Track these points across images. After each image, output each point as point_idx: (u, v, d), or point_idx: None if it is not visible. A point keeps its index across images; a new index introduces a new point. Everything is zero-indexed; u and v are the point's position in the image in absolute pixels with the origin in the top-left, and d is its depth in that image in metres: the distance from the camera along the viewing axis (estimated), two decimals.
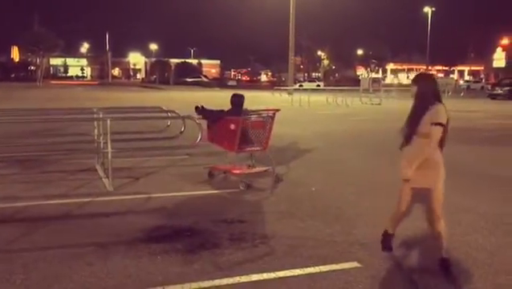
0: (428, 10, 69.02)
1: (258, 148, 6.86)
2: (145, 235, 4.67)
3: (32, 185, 6.68)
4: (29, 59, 71.15)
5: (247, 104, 7.24)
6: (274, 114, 6.74)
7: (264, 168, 6.97)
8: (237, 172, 6.96)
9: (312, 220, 5.26)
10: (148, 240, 4.53)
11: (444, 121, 3.97)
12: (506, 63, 70.71)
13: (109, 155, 6.54)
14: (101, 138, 7.38)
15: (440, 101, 4.01)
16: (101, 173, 7.30)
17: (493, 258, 4.29)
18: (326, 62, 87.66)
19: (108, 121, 6.50)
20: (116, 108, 9.73)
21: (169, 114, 8.43)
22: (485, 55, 79.29)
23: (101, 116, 7.23)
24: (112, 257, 4.12)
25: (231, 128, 6.60)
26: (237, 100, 6.98)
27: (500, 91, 34.92)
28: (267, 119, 6.73)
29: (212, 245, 4.45)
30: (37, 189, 6.41)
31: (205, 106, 7.21)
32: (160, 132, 8.30)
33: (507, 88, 34.84)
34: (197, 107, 7.18)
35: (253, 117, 6.73)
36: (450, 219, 5.15)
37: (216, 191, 6.51)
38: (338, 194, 6.49)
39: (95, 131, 7.86)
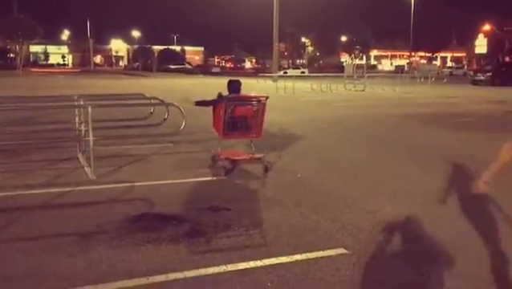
0: None
1: (251, 135, 6.78)
2: (129, 225, 4.57)
3: (11, 174, 6.50)
4: (8, 47, 69.54)
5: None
6: (265, 100, 6.65)
7: (258, 156, 6.85)
8: (229, 157, 6.87)
9: (298, 207, 5.21)
10: (132, 229, 4.44)
11: None
12: (488, 49, 71.39)
13: (90, 143, 6.40)
14: (82, 126, 7.21)
15: None
16: (83, 162, 7.15)
17: None
18: (310, 49, 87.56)
19: (89, 108, 6.35)
20: (98, 96, 9.52)
21: (152, 101, 8.28)
22: (468, 42, 79.96)
23: (82, 103, 7.05)
24: (95, 247, 4.02)
25: (220, 114, 6.53)
26: (234, 86, 6.88)
27: (482, 77, 35.29)
28: (259, 105, 6.64)
29: (197, 233, 4.37)
30: (16, 179, 6.24)
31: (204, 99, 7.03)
32: (143, 119, 8.15)
33: (488, 74, 35.22)
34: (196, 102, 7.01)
35: (243, 104, 6.63)
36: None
37: (200, 179, 6.41)
38: (323, 180, 6.46)
39: (77, 119, 7.68)
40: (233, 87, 6.89)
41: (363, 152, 8.60)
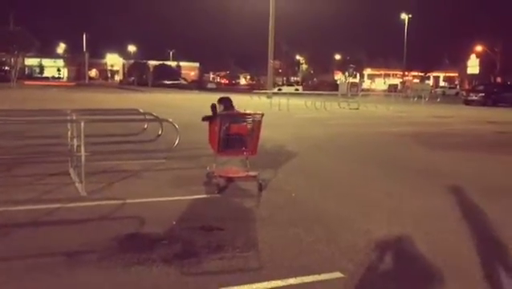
0: (405, 16, 70.05)
1: (245, 153, 6.70)
2: (119, 244, 4.43)
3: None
4: (3, 59, 69.34)
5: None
6: (261, 118, 6.59)
7: (253, 174, 6.75)
8: (224, 175, 6.77)
9: (293, 227, 5.10)
10: (122, 249, 4.30)
11: None
12: (480, 69, 72.19)
13: (82, 158, 6.27)
14: (74, 141, 7.09)
15: None
16: (74, 178, 7.00)
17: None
18: (304, 66, 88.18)
19: (82, 123, 6.23)
20: (91, 110, 9.41)
21: (146, 116, 8.18)
22: (460, 62, 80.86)
23: (74, 117, 6.94)
24: (83, 268, 3.88)
25: (215, 130, 6.47)
26: (226, 104, 6.86)
27: (474, 98, 35.57)
28: (254, 123, 6.58)
29: (189, 254, 4.24)
30: (4, 194, 6.08)
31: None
32: (136, 134, 8.04)
33: (481, 95, 35.52)
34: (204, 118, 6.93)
35: (238, 121, 6.57)
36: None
37: (194, 196, 6.29)
38: (317, 200, 6.36)
39: (69, 133, 7.55)
40: (225, 104, 6.84)
41: (357, 171, 8.53)
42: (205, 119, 6.89)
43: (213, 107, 6.83)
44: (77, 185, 6.57)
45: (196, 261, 4.11)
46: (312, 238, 4.79)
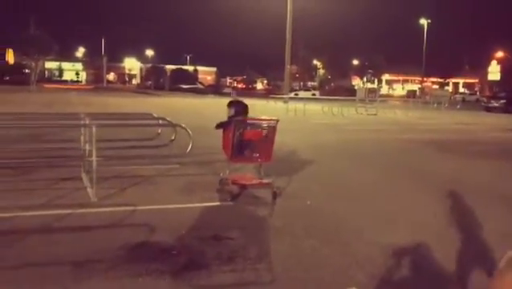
0: (424, 21, 69.29)
1: (259, 160, 6.54)
2: (127, 253, 4.30)
3: (10, 194, 6.28)
4: (24, 62, 70.48)
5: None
6: (276, 124, 6.43)
7: (267, 181, 6.59)
8: (237, 182, 6.60)
9: (308, 238, 4.92)
10: (130, 259, 4.17)
11: None
12: (501, 75, 70.94)
13: (94, 163, 6.18)
14: (87, 145, 7.02)
15: None
16: (86, 182, 6.92)
17: None
18: (321, 71, 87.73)
19: (94, 128, 6.15)
20: (105, 114, 9.37)
21: (160, 121, 8.09)
22: (480, 68, 79.61)
23: (87, 122, 6.87)
24: (90, 278, 3.75)
25: (229, 136, 6.32)
26: (238, 109, 6.68)
27: (496, 104, 34.86)
28: (269, 129, 6.42)
29: (199, 266, 4.09)
30: (15, 199, 6.02)
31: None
32: (150, 139, 7.95)
33: (503, 101, 34.80)
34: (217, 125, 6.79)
35: (253, 127, 6.41)
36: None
37: (206, 204, 6.15)
38: (333, 209, 6.16)
39: (82, 138, 7.50)
40: (236, 109, 6.66)
41: (375, 179, 8.28)
42: (218, 126, 6.72)
43: (230, 105, 6.63)
44: (88, 190, 6.48)
45: (206, 273, 3.96)
46: (328, 250, 4.60)
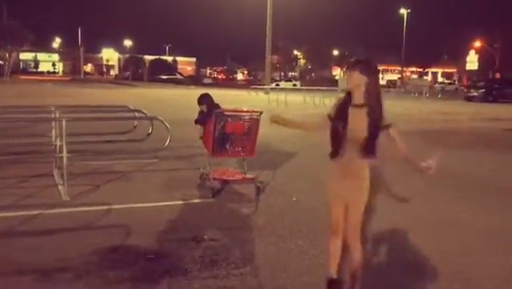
0: (403, 11, 69.47)
1: (242, 154, 6.20)
2: (99, 259, 3.94)
3: None
4: None
5: (224, 104, 6.61)
6: (259, 116, 6.09)
7: (250, 176, 6.26)
8: (219, 177, 6.24)
9: (295, 237, 4.62)
10: (103, 266, 3.81)
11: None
12: (479, 65, 71.78)
13: (64, 159, 5.76)
14: (58, 140, 6.58)
15: None
16: (57, 180, 6.49)
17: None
18: (302, 61, 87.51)
19: (64, 122, 5.72)
20: (78, 107, 8.89)
21: (136, 114, 7.67)
22: (458, 58, 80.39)
23: (57, 115, 6.43)
24: None
25: (210, 129, 5.96)
26: (207, 100, 6.34)
27: (475, 94, 35.11)
28: (253, 121, 6.07)
29: (177, 271, 3.75)
30: None
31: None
32: (125, 133, 7.53)
33: (482, 91, 35.07)
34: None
35: (235, 119, 6.05)
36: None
37: (186, 201, 5.79)
38: (320, 205, 5.83)
39: (53, 132, 7.04)
40: (207, 102, 6.30)
41: None
42: (197, 122, 6.35)
43: (200, 100, 6.33)
44: (60, 187, 6.07)
45: (185, 279, 3.62)
46: (317, 251, 4.30)
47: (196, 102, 6.49)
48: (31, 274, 3.61)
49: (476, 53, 72.75)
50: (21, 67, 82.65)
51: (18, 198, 5.68)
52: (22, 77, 61.53)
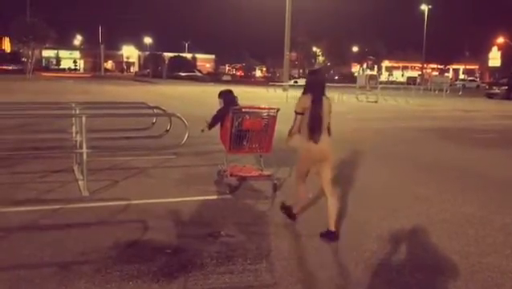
0: (424, 7, 68.45)
1: (259, 151, 6.23)
2: (117, 253, 4.00)
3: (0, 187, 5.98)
4: (20, 50, 69.68)
5: (242, 101, 6.62)
6: (276, 113, 6.09)
7: (267, 173, 6.28)
8: (236, 174, 6.26)
9: (311, 234, 4.61)
10: (120, 260, 3.87)
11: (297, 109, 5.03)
12: (502, 62, 70.36)
13: (84, 155, 5.86)
14: (78, 136, 6.69)
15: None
16: (77, 175, 6.61)
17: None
18: (321, 58, 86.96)
19: (83, 118, 5.81)
20: (98, 103, 9.01)
21: (155, 110, 7.75)
22: (480, 54, 78.92)
23: (77, 112, 6.53)
24: (75, 282, 3.45)
25: (227, 126, 5.98)
26: (229, 98, 6.35)
27: (497, 91, 34.51)
28: (270, 118, 6.08)
29: (194, 266, 3.79)
30: (4, 193, 5.72)
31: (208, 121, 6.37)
32: (144, 129, 7.62)
33: (504, 88, 34.43)
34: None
35: (252, 116, 6.07)
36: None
37: (203, 197, 5.84)
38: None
39: (73, 128, 7.17)
40: (227, 98, 6.31)
41: (378, 171, 7.98)
42: (214, 121, 6.32)
43: (221, 95, 6.36)
44: (80, 183, 6.17)
45: (202, 274, 3.66)
46: (332, 248, 4.30)
47: (215, 98, 6.51)
48: (51, 267, 3.69)
49: (498, 49, 71.31)
50: (43, 64, 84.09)
51: (40, 193, 5.81)
52: (45, 74, 62.62)
